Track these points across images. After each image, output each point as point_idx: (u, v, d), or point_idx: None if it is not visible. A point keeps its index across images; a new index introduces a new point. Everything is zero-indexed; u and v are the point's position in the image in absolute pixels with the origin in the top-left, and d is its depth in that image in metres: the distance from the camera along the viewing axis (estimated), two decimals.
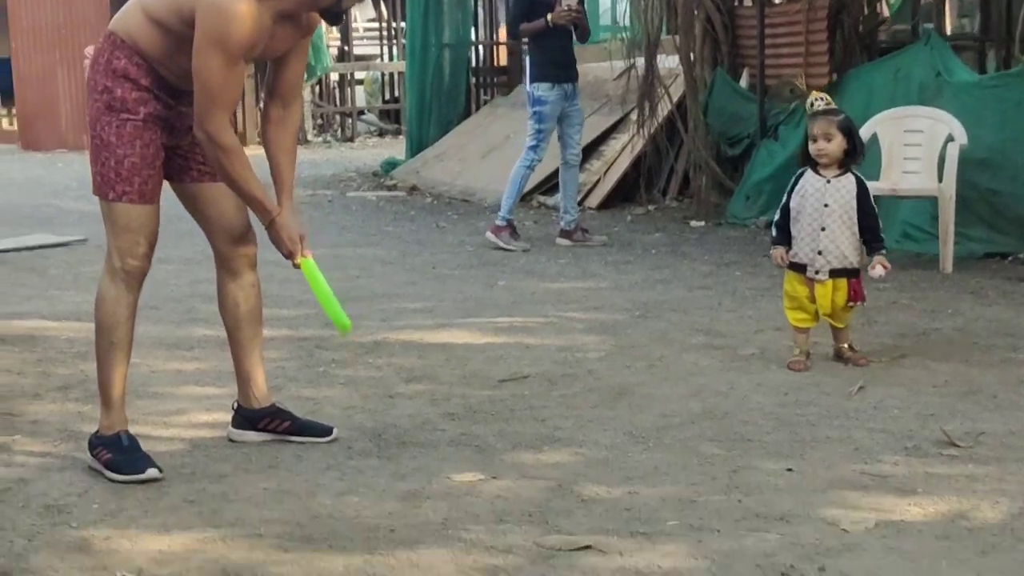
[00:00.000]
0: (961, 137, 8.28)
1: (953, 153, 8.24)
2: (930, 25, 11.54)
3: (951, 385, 5.48)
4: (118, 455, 4.47)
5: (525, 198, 12.11)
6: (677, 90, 11.60)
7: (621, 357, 6.06)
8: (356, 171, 15.62)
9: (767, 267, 7.82)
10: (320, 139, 20.50)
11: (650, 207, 11.42)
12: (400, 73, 19.48)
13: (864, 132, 8.60)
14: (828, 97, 6.00)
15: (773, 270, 7.15)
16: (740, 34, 11.47)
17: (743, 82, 11.37)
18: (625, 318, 6.89)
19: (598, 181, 11.94)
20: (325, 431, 4.85)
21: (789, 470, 4.42)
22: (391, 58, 21.73)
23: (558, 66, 9.55)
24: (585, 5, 9.90)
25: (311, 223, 11.14)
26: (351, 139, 20.60)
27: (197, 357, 6.12)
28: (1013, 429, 4.83)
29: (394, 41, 21.60)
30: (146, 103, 4.43)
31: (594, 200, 11.73)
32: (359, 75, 22.20)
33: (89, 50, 4.97)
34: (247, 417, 4.85)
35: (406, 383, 5.66)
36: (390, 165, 15.14)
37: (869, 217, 5.93)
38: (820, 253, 5.85)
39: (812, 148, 5.87)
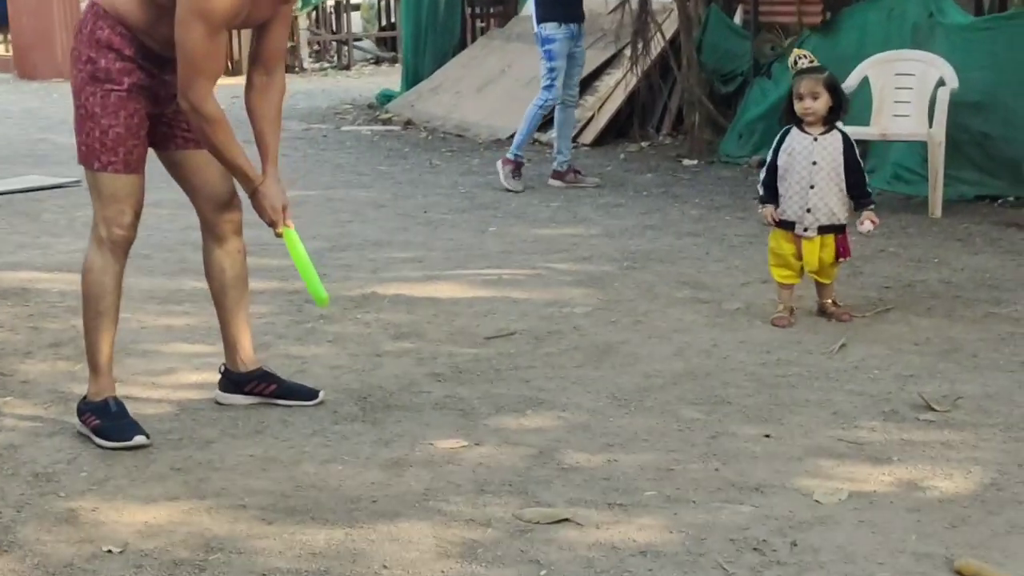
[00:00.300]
0: (952, 81, 8.28)
1: (943, 97, 8.25)
2: None
3: (932, 343, 5.53)
4: (106, 421, 4.54)
5: None
6: (671, 26, 11.58)
7: (607, 312, 6.11)
8: (352, 102, 15.61)
9: (756, 213, 7.85)
10: (316, 66, 20.44)
11: (643, 144, 11.44)
12: (397, 0, 19.39)
13: (855, 76, 8.65)
14: (811, 55, 6.01)
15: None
16: None
17: (737, 19, 11.34)
18: (613, 269, 6.94)
19: (592, 117, 11.94)
20: (311, 395, 4.91)
21: (767, 436, 4.49)
22: None
23: (565, 6, 9.55)
24: None
25: (305, 161, 11.18)
26: (347, 67, 20.54)
27: (187, 312, 6.18)
28: (990, 392, 4.89)
29: None
30: (130, 73, 4.45)
31: (588, 137, 11.75)
32: (355, 0, 22.09)
33: None
34: (234, 381, 4.92)
35: (393, 340, 5.72)
36: (386, 97, 15.12)
37: (856, 173, 5.97)
38: (809, 211, 5.89)
39: (798, 106, 5.89)
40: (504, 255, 7.35)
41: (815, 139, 5.90)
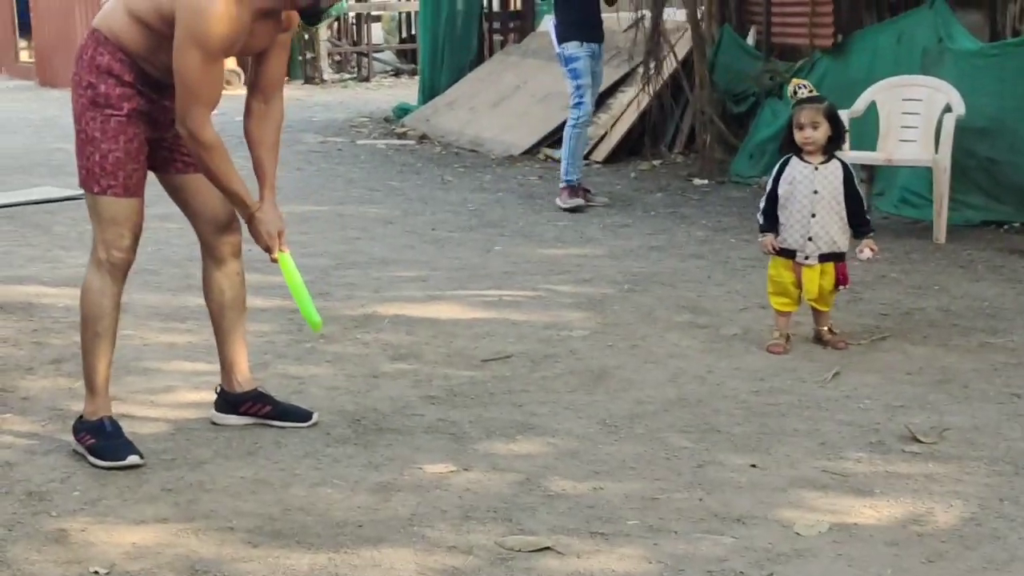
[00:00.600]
0: (959, 107, 8.31)
1: (949, 124, 8.28)
2: None
3: (925, 372, 5.57)
4: (101, 441, 4.61)
5: (531, 151, 12.24)
6: (684, 46, 11.63)
7: (605, 336, 6.16)
8: (369, 116, 15.70)
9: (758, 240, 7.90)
10: (336, 78, 20.54)
11: (655, 162, 11.49)
12: (417, 12, 19.48)
13: (862, 101, 8.69)
14: (810, 84, 6.05)
15: None
16: None
17: (750, 40, 11.38)
18: (614, 292, 6.99)
19: (604, 135, 12.00)
20: (305, 416, 4.97)
21: (753, 466, 4.53)
22: None
23: (585, 26, 9.62)
24: None
25: (319, 175, 11.26)
26: (367, 79, 20.63)
27: (190, 329, 6.25)
28: (978, 423, 4.93)
29: None
30: (130, 99, 4.53)
31: (600, 154, 11.80)
32: (376, 12, 22.18)
33: None
34: (229, 401, 4.98)
35: (391, 361, 5.78)
36: (402, 111, 15.20)
37: (855, 202, 6.02)
38: (811, 239, 5.94)
39: (798, 136, 5.94)
40: (507, 275, 7.41)
41: (816, 168, 5.95)
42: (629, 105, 11.98)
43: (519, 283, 7.22)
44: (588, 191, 9.83)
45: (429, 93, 15.16)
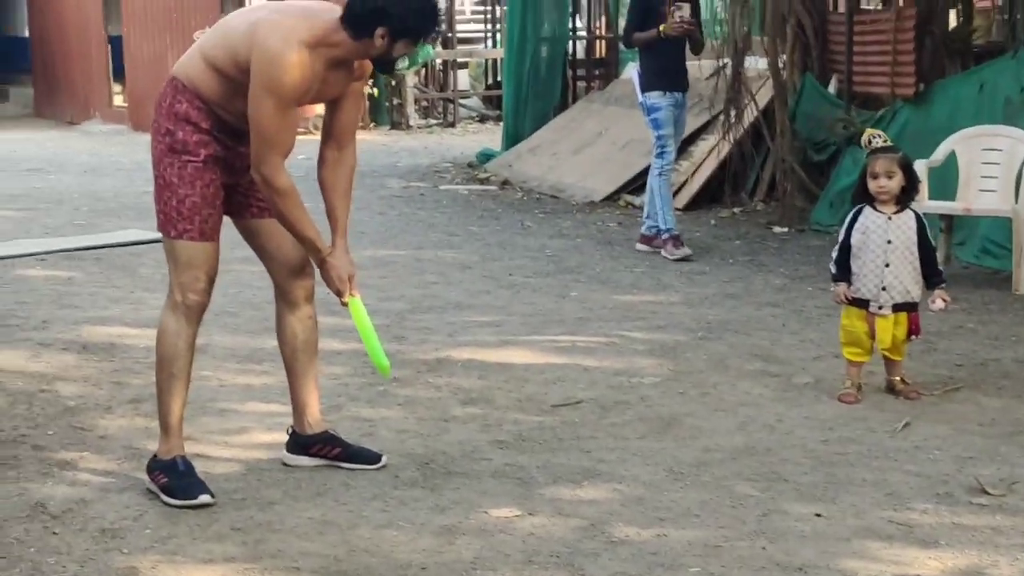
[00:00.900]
0: None
1: None
2: None
3: (997, 424, 5.54)
4: (174, 480, 4.70)
5: (611, 197, 12.28)
6: (766, 93, 11.64)
7: (676, 383, 6.18)
8: (452, 161, 15.81)
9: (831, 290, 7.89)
10: (423, 123, 20.71)
11: (735, 210, 11.49)
12: (503, 59, 19.63)
13: (942, 150, 8.67)
14: (884, 134, 6.06)
15: None
16: (831, 40, 11.47)
17: (831, 88, 11.37)
18: (687, 339, 7.00)
19: (685, 182, 12.01)
20: (374, 459, 5.03)
21: (818, 515, 4.53)
22: (495, 43, 21.88)
23: (669, 75, 9.62)
24: (700, 16, 9.94)
25: (400, 220, 11.37)
26: (452, 124, 20.79)
27: (266, 371, 6.34)
28: None
29: (498, 26, 21.73)
30: (206, 145, 4.64)
31: (681, 201, 11.80)
32: (463, 59, 22.36)
33: (198, 35, 5.20)
34: (300, 443, 5.06)
35: (462, 406, 5.84)
36: (485, 156, 15.31)
37: (928, 252, 6.00)
38: (884, 289, 5.93)
39: (872, 185, 5.93)
40: (581, 321, 7.45)
41: (889, 218, 5.94)
42: (710, 153, 12.00)
43: (593, 329, 7.26)
44: (678, 238, 9.71)
45: (512, 139, 15.25)
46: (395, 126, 20.28)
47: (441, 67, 21.75)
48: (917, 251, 5.95)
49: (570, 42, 16.11)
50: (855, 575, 4.02)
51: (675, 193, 11.77)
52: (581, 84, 16.50)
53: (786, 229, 10.58)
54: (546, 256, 9.60)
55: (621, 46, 15.25)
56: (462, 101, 21.81)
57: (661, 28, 9.44)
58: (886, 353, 5.99)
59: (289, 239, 4.82)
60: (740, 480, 4.89)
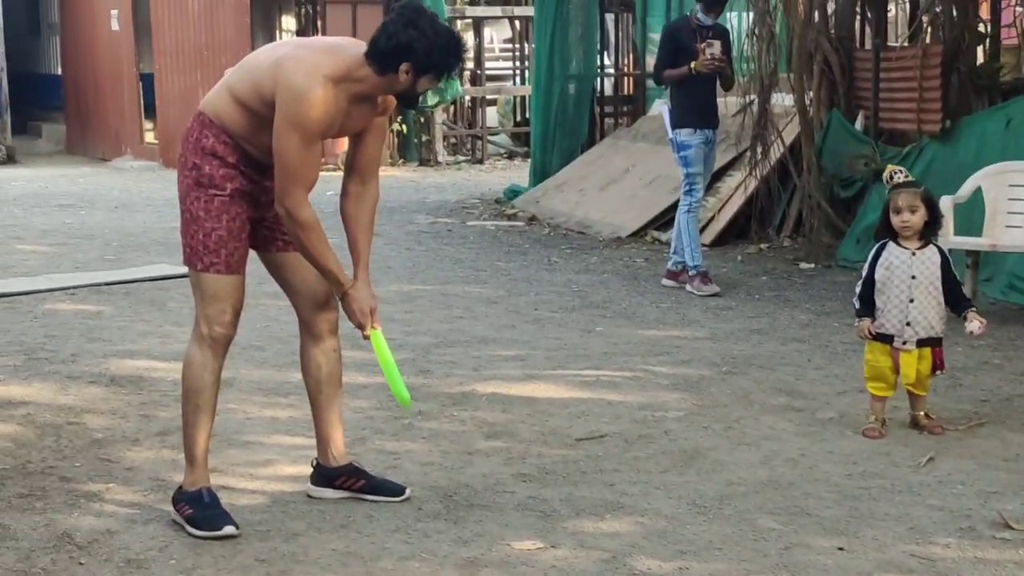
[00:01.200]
0: None
1: None
2: None
3: (1022, 459, 5.54)
4: (199, 511, 4.73)
5: (638, 233, 12.31)
6: (792, 130, 11.66)
7: (700, 417, 6.19)
8: (480, 197, 15.87)
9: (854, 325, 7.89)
10: (451, 160, 20.80)
11: (762, 246, 11.50)
12: (531, 96, 19.72)
13: (968, 186, 8.67)
14: (905, 170, 6.08)
15: None
16: (857, 76, 11.49)
17: (858, 124, 11.39)
18: (711, 374, 7.01)
19: (712, 218, 12.03)
20: (398, 491, 5.06)
21: (840, 549, 4.54)
22: (524, 80, 21.97)
23: (700, 112, 9.63)
24: (731, 52, 9.98)
25: (427, 255, 11.42)
26: (481, 161, 20.87)
27: (292, 404, 6.37)
28: None
29: (526, 63, 21.83)
30: (232, 179, 4.69)
31: (708, 237, 11.82)
32: (491, 96, 22.46)
33: (228, 72, 5.31)
34: (325, 475, 5.09)
35: (486, 439, 5.86)
36: (513, 193, 15.37)
37: (954, 286, 6.01)
38: (909, 324, 5.93)
39: (896, 220, 5.95)
40: (606, 356, 7.46)
41: (913, 253, 5.95)
42: (737, 189, 12.02)
43: (617, 364, 7.28)
44: (706, 274, 9.72)
45: (540, 175, 15.31)
46: (424, 162, 20.37)
47: (470, 104, 21.86)
48: (941, 286, 5.96)
49: (598, 79, 16.18)
50: None
51: (702, 229, 11.79)
52: (608, 121, 16.55)
53: (812, 265, 10.59)
54: (572, 291, 9.63)
55: (649, 83, 15.32)
56: (490, 138, 21.90)
57: (692, 65, 9.46)
58: (910, 388, 5.99)
59: (313, 273, 4.86)
60: (763, 514, 4.90)
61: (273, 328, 8.07)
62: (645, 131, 14.48)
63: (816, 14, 11.41)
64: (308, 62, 4.50)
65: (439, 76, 4.61)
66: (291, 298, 5.03)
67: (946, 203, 8.38)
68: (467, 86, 21.14)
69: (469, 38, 21.56)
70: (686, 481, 5.29)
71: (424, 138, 20.62)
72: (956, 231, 8.47)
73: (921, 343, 5.95)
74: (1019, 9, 10.90)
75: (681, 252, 9.83)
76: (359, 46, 4.60)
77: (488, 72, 22.04)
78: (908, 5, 11.94)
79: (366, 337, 4.84)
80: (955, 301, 6.02)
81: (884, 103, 10.97)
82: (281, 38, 21.01)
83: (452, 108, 21.57)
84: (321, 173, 4.88)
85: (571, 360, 7.38)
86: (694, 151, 9.61)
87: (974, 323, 5.91)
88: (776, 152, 11.36)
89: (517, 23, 22.19)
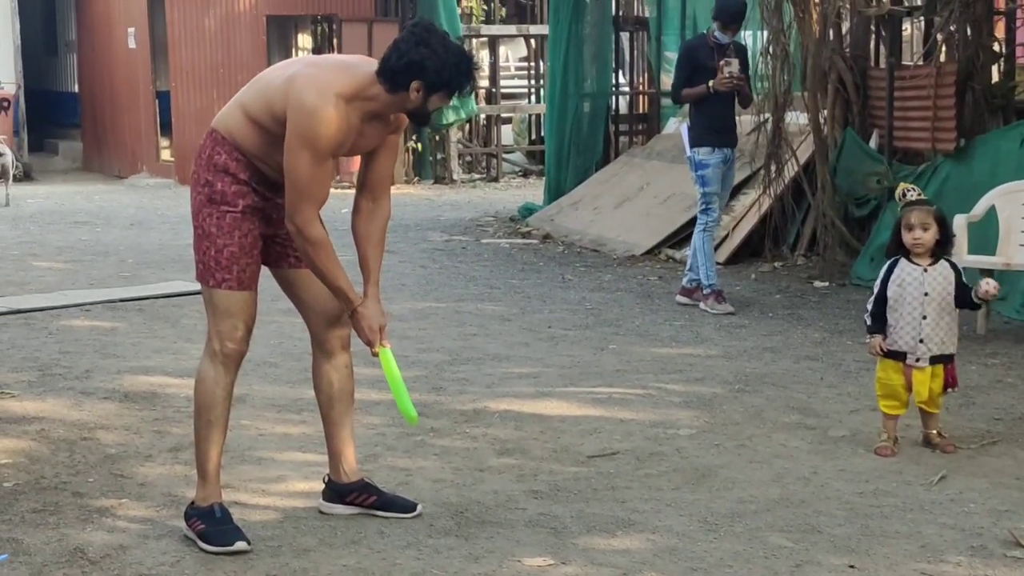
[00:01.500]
0: None
1: None
2: None
3: None
4: (211, 526, 4.75)
5: (652, 251, 12.31)
6: (806, 149, 11.66)
7: (712, 435, 6.19)
8: (495, 215, 15.89)
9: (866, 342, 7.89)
10: (467, 178, 20.83)
11: (776, 264, 11.49)
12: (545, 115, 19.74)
13: (982, 205, 8.67)
14: (917, 188, 6.08)
15: None
16: (871, 95, 11.50)
17: (872, 143, 11.39)
18: (724, 392, 7.01)
19: (726, 236, 12.03)
20: (409, 507, 5.07)
21: (851, 567, 4.54)
22: (539, 98, 22.00)
23: (719, 131, 9.61)
24: (749, 70, 9.98)
25: (442, 272, 11.44)
26: (496, 179, 20.90)
27: (304, 421, 6.39)
28: None
29: (542, 82, 21.86)
30: (244, 196, 4.72)
31: (722, 255, 11.80)
32: (507, 114, 22.49)
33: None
34: (336, 491, 5.10)
35: (498, 456, 5.87)
36: (527, 211, 15.38)
37: (966, 289, 5.97)
38: (922, 341, 5.93)
39: (907, 237, 5.95)
40: (618, 374, 7.47)
41: (925, 270, 5.95)
42: (751, 207, 12.02)
43: (630, 381, 7.28)
44: (720, 293, 9.70)
45: (554, 193, 15.32)
46: (439, 180, 20.40)
47: (485, 122, 21.88)
48: (954, 302, 5.95)
49: (612, 97, 16.20)
50: None
51: (716, 247, 11.79)
52: (623, 139, 16.55)
53: (827, 283, 10.58)
54: (585, 309, 9.63)
55: (664, 101, 15.34)
56: (505, 156, 21.92)
57: (710, 83, 9.47)
58: (923, 406, 5.98)
59: (324, 289, 4.88)
60: (774, 531, 4.90)
61: (286, 345, 8.09)
62: (659, 149, 14.49)
63: (830, 33, 11.41)
64: (320, 80, 4.52)
65: (450, 94, 4.63)
66: (303, 314, 5.05)
67: (960, 222, 8.38)
68: (482, 104, 21.18)
69: (485, 56, 21.63)
70: (697, 498, 5.29)
71: (439, 156, 20.66)
72: (970, 250, 8.46)
73: (934, 360, 5.95)
74: None
75: (697, 270, 9.83)
76: (371, 64, 4.62)
77: (503, 90, 22.05)
78: (923, 24, 11.93)
79: (375, 354, 4.85)
80: (968, 301, 5.99)
81: (898, 122, 10.97)
82: (297, 56, 21.08)
83: (467, 126, 21.60)
84: (337, 191, 4.90)
85: (584, 377, 7.38)
86: (711, 171, 9.60)
87: (989, 284, 5.88)
88: (790, 170, 11.36)
89: (532, 41, 22.21)
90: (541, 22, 20.74)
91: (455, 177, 20.48)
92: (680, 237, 12.23)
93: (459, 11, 20.35)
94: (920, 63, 11.38)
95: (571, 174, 15.37)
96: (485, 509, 5.15)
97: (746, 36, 12.90)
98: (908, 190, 6.00)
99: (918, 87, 10.65)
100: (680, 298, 9.89)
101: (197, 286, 5.06)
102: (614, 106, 16.27)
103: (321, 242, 4.63)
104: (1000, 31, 10.97)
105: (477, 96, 20.97)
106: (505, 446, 6.02)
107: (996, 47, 10.65)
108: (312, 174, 4.54)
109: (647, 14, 16.52)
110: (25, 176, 20.78)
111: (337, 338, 5.01)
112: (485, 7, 22.08)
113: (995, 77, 10.74)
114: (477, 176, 21.22)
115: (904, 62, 11.88)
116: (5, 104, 21.40)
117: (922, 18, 11.65)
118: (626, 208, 13.60)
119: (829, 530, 4.90)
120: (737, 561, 4.60)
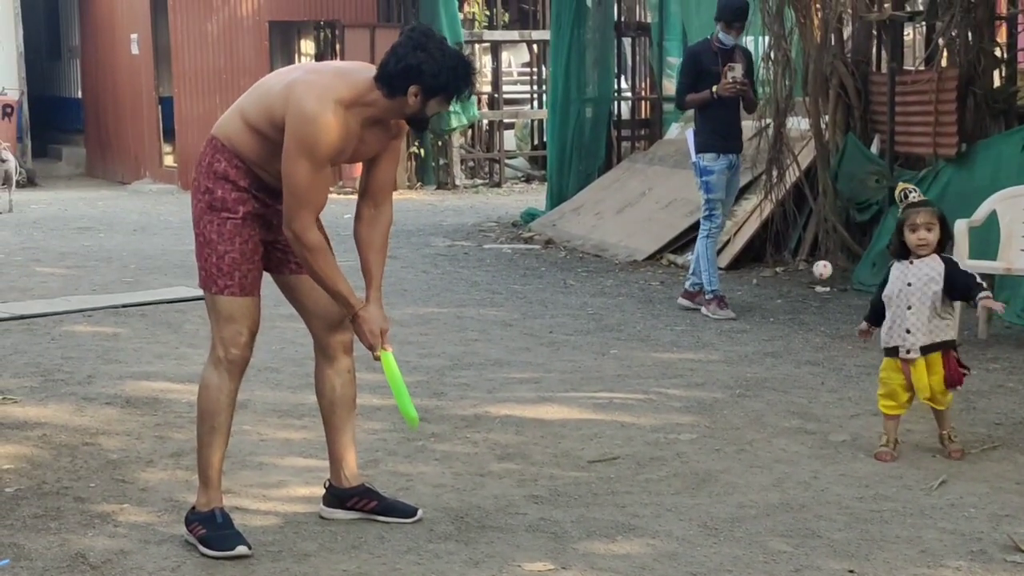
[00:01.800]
0: None
1: None
2: None
3: None
4: (212, 531, 4.76)
5: (654, 256, 12.32)
6: (808, 154, 11.67)
7: (712, 440, 6.20)
8: (497, 220, 15.91)
9: (878, 342, 7.89)
10: (469, 183, 20.85)
11: (778, 269, 11.50)
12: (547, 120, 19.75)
13: (983, 210, 8.67)
14: (918, 188, 6.09)
15: None
16: (873, 100, 11.50)
17: (874, 148, 11.40)
18: (725, 396, 7.02)
19: (728, 241, 12.03)
20: (410, 512, 5.08)
21: (851, 572, 4.55)
22: (541, 103, 22.02)
23: (723, 136, 9.60)
24: (753, 75, 9.98)
25: (443, 278, 11.45)
26: (499, 184, 20.92)
27: (306, 426, 6.40)
28: None
29: (544, 87, 21.88)
30: (245, 203, 4.73)
31: (723, 260, 11.81)
32: (509, 120, 22.51)
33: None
34: (337, 496, 5.11)
35: (498, 461, 5.88)
36: (530, 216, 15.40)
37: (966, 276, 5.96)
38: (909, 331, 5.93)
39: (912, 238, 5.93)
40: (619, 379, 7.48)
41: (910, 263, 5.95)
42: (752, 212, 12.03)
43: (631, 386, 7.29)
44: (723, 299, 9.70)
45: (556, 199, 15.34)
46: (441, 186, 20.43)
47: (487, 127, 21.91)
48: (940, 291, 5.90)
49: (614, 103, 16.22)
50: None
51: (718, 252, 11.80)
52: (625, 144, 16.58)
53: (828, 288, 10.58)
54: (587, 314, 9.64)
55: (666, 106, 15.35)
56: (508, 161, 21.95)
57: (714, 89, 9.47)
58: (929, 403, 5.95)
59: (326, 295, 4.89)
60: (774, 536, 4.91)
61: (289, 350, 8.11)
62: (661, 154, 14.50)
63: (832, 38, 11.43)
64: (319, 86, 4.54)
65: (448, 99, 4.64)
66: (305, 319, 5.07)
67: (961, 227, 8.39)
68: (485, 110, 21.21)
69: (487, 62, 21.65)
70: (697, 503, 5.30)
71: (442, 161, 20.68)
72: (971, 255, 8.46)
73: (925, 349, 5.91)
74: None
75: (699, 273, 9.83)
76: (370, 70, 4.64)
77: (506, 96, 22.06)
78: (924, 29, 11.94)
79: (376, 358, 4.86)
80: (966, 290, 5.97)
81: (900, 127, 10.97)
82: (300, 62, 21.10)
83: (470, 132, 21.63)
84: (339, 196, 4.91)
85: (585, 383, 7.39)
86: (716, 177, 9.60)
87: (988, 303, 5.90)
88: (792, 176, 11.37)
89: (535, 47, 22.24)
90: (543, 28, 20.76)
91: (457, 182, 20.51)
92: (682, 242, 12.25)
93: (461, 17, 20.38)
94: (922, 68, 11.39)
95: (573, 179, 15.40)
96: (486, 514, 5.16)
97: (748, 41, 12.93)
98: (909, 191, 6.00)
99: (919, 92, 10.65)
100: (682, 301, 9.90)
101: (199, 292, 5.07)
102: (616, 111, 16.30)
103: (319, 248, 4.64)
104: (1001, 36, 10.97)
105: (479, 101, 21.01)
106: (506, 451, 6.03)
107: (997, 52, 10.65)
108: (310, 181, 4.55)
109: (649, 19, 16.54)
110: (28, 182, 20.80)
111: (339, 343, 5.02)
112: (487, 13, 22.11)
113: (996, 82, 10.73)
114: (479, 181, 21.24)
115: (905, 67, 11.88)
116: (8, 110, 21.43)
117: (923, 23, 11.65)
118: (628, 213, 13.61)
119: (829, 535, 4.91)
120: (737, 566, 4.61)
